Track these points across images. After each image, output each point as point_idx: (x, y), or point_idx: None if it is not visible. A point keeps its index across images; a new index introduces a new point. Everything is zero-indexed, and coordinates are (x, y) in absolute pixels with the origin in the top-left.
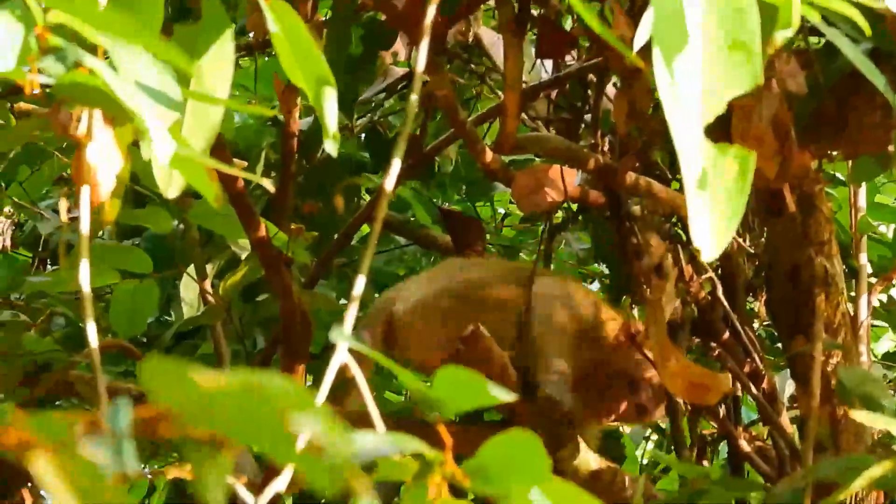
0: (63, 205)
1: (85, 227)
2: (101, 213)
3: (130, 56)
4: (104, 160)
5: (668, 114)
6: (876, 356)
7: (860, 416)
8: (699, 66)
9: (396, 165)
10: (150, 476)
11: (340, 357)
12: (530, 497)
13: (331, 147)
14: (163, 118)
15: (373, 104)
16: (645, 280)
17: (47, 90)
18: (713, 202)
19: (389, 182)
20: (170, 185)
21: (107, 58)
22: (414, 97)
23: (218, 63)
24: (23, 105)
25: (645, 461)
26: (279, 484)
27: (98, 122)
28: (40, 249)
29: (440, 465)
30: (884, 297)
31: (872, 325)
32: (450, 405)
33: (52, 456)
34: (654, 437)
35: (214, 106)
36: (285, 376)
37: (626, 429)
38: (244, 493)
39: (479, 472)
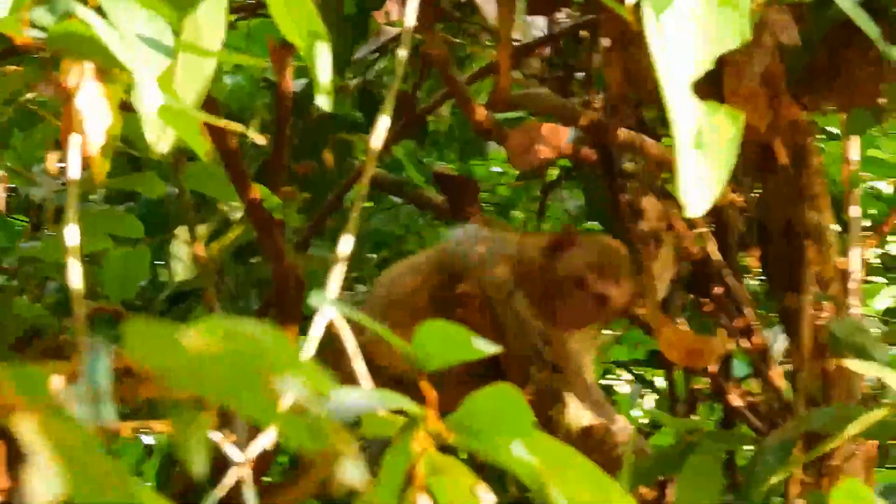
0: (52, 158)
1: (74, 174)
2: (92, 171)
3: (122, 6)
4: (94, 113)
5: (659, 71)
6: (876, 313)
7: (852, 364)
8: (688, 22)
9: (384, 122)
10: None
11: (325, 318)
12: (513, 451)
13: (324, 101)
14: (153, 66)
15: (366, 64)
16: (641, 246)
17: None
18: (702, 158)
19: (376, 139)
20: (160, 140)
21: (99, 10)
22: (403, 52)
23: (210, 16)
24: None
25: (643, 420)
26: (265, 440)
27: (89, 75)
28: (37, 215)
29: (424, 420)
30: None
31: (870, 281)
32: (433, 360)
33: (36, 419)
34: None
35: (206, 59)
36: (274, 331)
37: (624, 388)
38: (232, 450)
39: (463, 427)
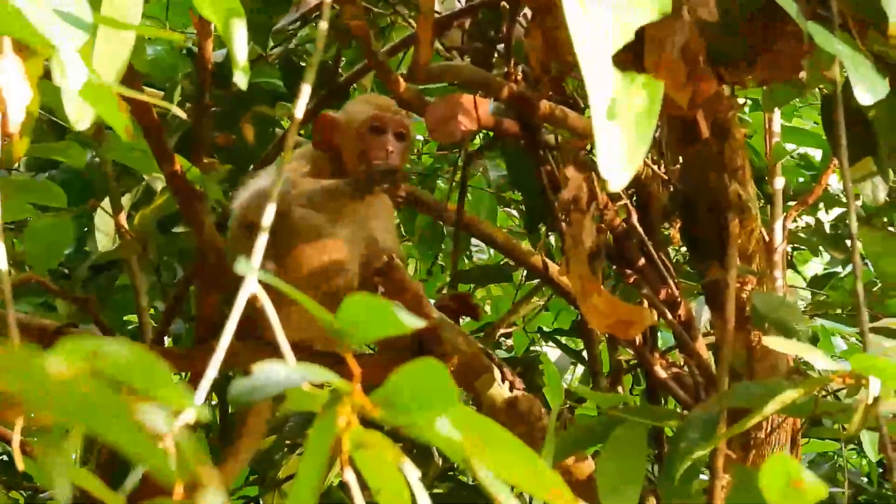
0: None
1: None
2: (12, 148)
3: None
4: (13, 91)
5: (577, 44)
6: (805, 278)
7: (773, 342)
8: None
9: (306, 91)
10: None
11: (248, 289)
12: (438, 426)
13: (240, 79)
14: (73, 40)
15: (288, 33)
16: (563, 214)
17: None
18: (620, 132)
19: (299, 109)
20: (81, 118)
21: None
22: (323, 24)
23: None
24: None
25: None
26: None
27: (7, 52)
28: None
29: (349, 395)
30: (811, 220)
31: (800, 249)
32: (358, 334)
33: None
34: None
35: (125, 33)
36: (143, 352)
37: (552, 356)
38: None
39: (388, 402)
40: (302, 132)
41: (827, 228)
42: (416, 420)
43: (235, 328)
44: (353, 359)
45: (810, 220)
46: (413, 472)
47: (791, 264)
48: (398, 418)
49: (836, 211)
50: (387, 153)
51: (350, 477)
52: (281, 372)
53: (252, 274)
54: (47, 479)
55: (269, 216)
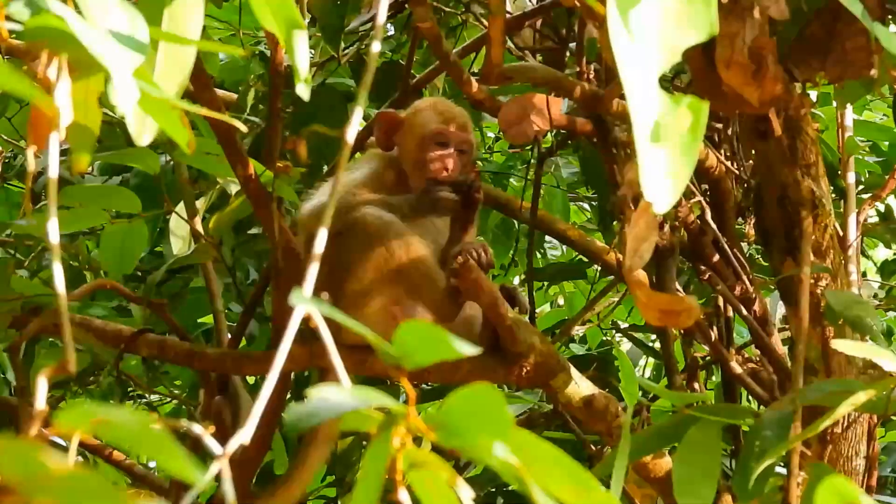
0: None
1: (54, 173)
2: (73, 164)
3: (99, 0)
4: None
5: (621, 66)
6: (875, 262)
7: (842, 345)
8: (655, 18)
9: (358, 115)
10: None
11: (297, 318)
12: (494, 450)
13: (303, 90)
14: (128, 61)
15: (360, 34)
16: (620, 211)
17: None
18: (666, 154)
19: (351, 133)
20: (142, 132)
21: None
22: (376, 46)
23: (189, 4)
24: None
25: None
26: (244, 435)
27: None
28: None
29: (404, 417)
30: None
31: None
32: (411, 359)
33: None
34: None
35: (186, 49)
36: (144, 419)
37: (625, 347)
38: (212, 443)
39: (443, 425)
40: None
41: None
42: (473, 444)
43: (311, 329)
44: (408, 383)
45: (881, 206)
46: (467, 493)
47: (861, 251)
48: (454, 441)
49: None
50: (445, 166)
51: (404, 497)
52: (336, 397)
53: (303, 303)
54: None
55: (320, 244)
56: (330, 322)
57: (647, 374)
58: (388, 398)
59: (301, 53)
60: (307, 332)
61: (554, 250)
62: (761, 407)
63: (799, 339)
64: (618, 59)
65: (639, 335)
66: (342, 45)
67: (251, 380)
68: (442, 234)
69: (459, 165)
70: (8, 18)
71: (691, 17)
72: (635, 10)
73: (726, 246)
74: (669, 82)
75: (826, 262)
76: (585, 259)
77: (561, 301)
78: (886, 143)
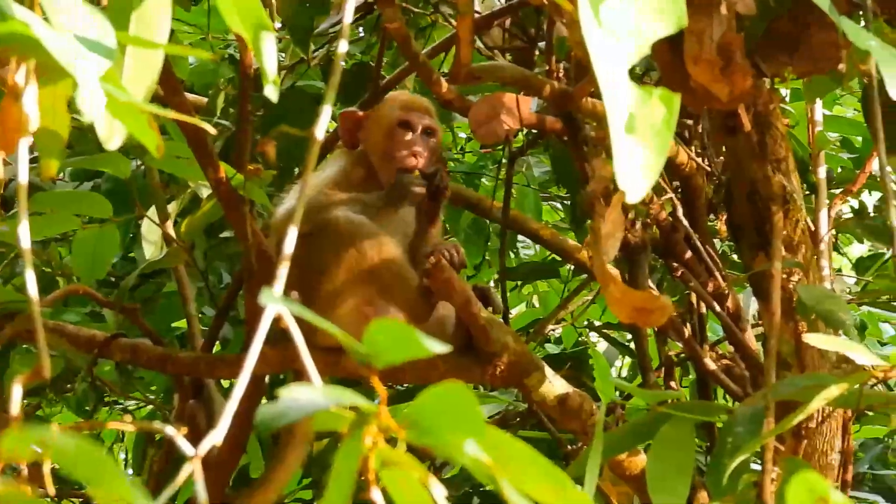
0: None
1: (24, 179)
2: (42, 169)
3: (65, 5)
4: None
5: (594, 59)
6: (851, 260)
7: (814, 339)
8: (626, 9)
9: (326, 113)
10: None
11: (269, 317)
12: (466, 448)
13: (271, 92)
14: (94, 69)
15: (329, 35)
16: (590, 207)
17: None
18: (639, 145)
19: (319, 131)
20: (111, 136)
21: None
22: (343, 45)
23: (156, 8)
24: None
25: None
26: (216, 436)
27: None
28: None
29: (375, 416)
30: (854, 203)
31: (843, 231)
32: (381, 358)
33: None
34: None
35: (154, 53)
36: (88, 444)
37: (600, 346)
38: (185, 445)
39: (415, 424)
40: None
41: (871, 211)
42: (444, 442)
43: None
44: (378, 381)
45: (854, 202)
46: (439, 491)
47: (836, 247)
48: (426, 440)
49: (879, 194)
50: (414, 152)
51: (377, 496)
52: (307, 396)
53: (273, 303)
54: None
55: (289, 244)
56: (304, 324)
57: (624, 373)
58: (359, 397)
59: (269, 55)
60: (280, 335)
61: (528, 249)
62: (735, 403)
63: (771, 335)
64: (591, 52)
65: (613, 333)
66: (312, 47)
67: (226, 383)
68: (411, 227)
69: (427, 149)
70: None
71: (661, 9)
72: (605, 3)
73: (698, 242)
74: (639, 79)
75: (798, 257)
76: (558, 258)
77: (536, 301)
78: (860, 138)
